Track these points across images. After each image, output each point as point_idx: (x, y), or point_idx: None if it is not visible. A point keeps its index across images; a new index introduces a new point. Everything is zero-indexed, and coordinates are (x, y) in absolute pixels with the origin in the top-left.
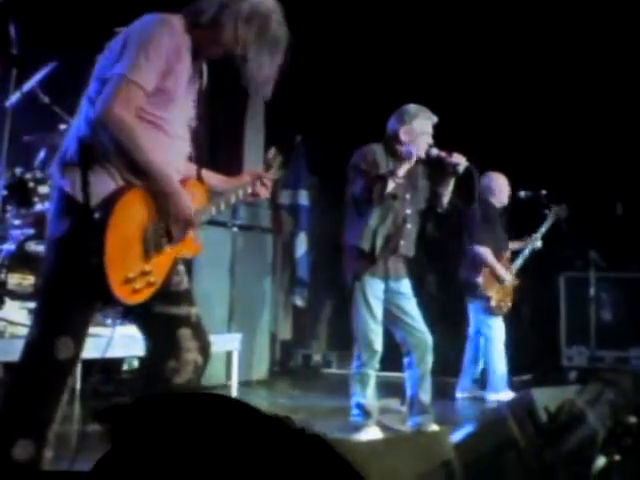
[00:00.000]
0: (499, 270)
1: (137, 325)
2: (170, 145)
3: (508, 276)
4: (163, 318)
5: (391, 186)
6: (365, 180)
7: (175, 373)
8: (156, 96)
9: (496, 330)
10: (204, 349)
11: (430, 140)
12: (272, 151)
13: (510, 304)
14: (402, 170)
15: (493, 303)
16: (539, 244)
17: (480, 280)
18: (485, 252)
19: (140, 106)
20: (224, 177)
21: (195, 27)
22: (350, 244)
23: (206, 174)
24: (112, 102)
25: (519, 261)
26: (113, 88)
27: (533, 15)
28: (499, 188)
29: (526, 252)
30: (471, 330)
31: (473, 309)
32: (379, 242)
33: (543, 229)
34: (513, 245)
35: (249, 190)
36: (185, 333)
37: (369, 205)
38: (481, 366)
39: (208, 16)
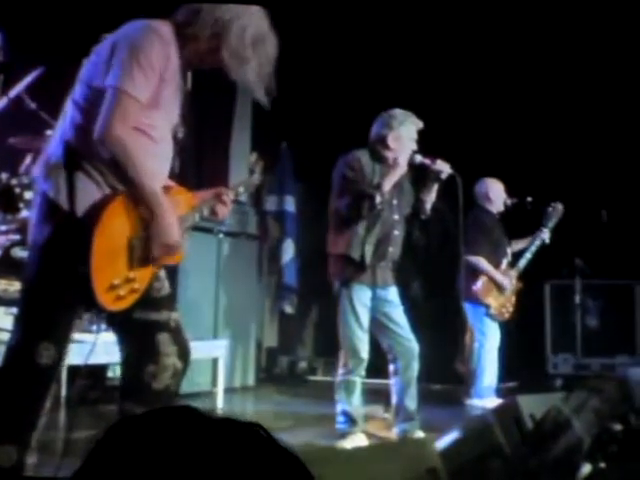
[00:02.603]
0: (497, 277)
1: (116, 331)
2: (157, 150)
3: (508, 282)
4: (142, 323)
5: (379, 200)
6: (352, 195)
7: (153, 378)
8: (146, 104)
9: (490, 337)
10: (183, 354)
11: (414, 146)
12: (254, 156)
13: (512, 309)
14: (389, 183)
15: (493, 310)
16: (547, 238)
17: (477, 287)
18: (477, 261)
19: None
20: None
21: (188, 37)
22: (337, 252)
23: None
24: (112, 121)
25: (523, 261)
26: (111, 105)
27: (521, 23)
28: (495, 194)
29: (532, 249)
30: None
31: (471, 315)
32: (368, 250)
33: (551, 223)
34: (517, 245)
35: (205, 212)
36: (164, 338)
37: (358, 219)
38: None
39: (208, 30)
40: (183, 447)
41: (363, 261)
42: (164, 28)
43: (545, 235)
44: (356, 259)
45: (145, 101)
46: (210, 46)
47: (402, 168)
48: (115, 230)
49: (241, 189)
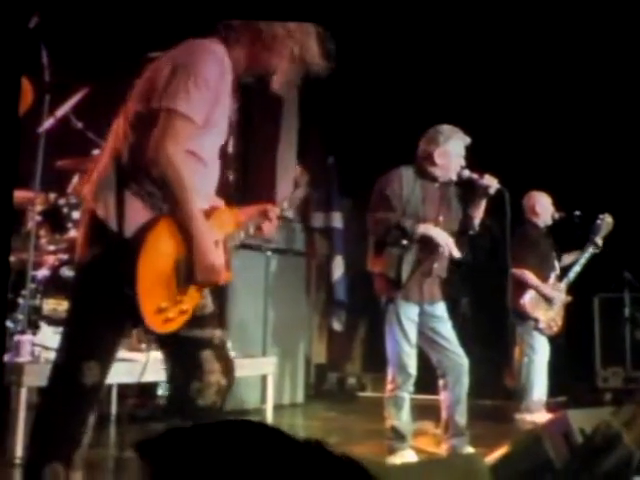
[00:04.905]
0: (545, 290)
1: (161, 348)
2: (205, 173)
3: (556, 295)
4: (186, 341)
5: (405, 240)
6: (380, 216)
7: (199, 394)
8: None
9: (539, 352)
10: (227, 371)
11: (462, 162)
12: (298, 169)
13: (560, 323)
14: (420, 232)
15: (542, 324)
16: (597, 250)
17: (525, 301)
18: (523, 274)
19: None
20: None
21: (238, 57)
22: (376, 271)
23: None
24: (165, 142)
25: (572, 274)
26: (165, 126)
27: (568, 43)
28: (542, 208)
29: (582, 262)
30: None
31: (520, 329)
32: (405, 269)
33: (600, 236)
34: (568, 258)
35: (251, 230)
36: (208, 355)
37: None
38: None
39: (258, 50)
40: (256, 461)
41: (400, 280)
42: (219, 48)
43: (594, 248)
44: (392, 278)
45: (200, 123)
46: (260, 64)
47: (439, 237)
48: (162, 252)
49: (285, 204)
